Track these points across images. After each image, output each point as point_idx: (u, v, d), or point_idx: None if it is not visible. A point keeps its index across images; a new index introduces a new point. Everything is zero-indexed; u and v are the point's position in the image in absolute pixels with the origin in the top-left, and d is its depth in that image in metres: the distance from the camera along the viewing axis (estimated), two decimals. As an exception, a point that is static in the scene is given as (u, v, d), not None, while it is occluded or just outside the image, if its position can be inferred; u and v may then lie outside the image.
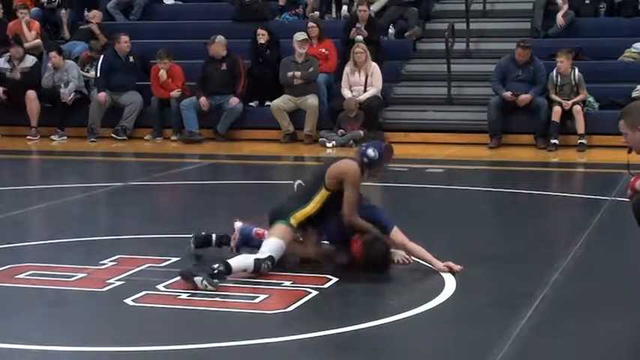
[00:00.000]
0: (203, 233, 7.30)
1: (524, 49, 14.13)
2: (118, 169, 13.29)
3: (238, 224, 7.27)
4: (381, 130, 14.57)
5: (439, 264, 6.86)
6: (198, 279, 6.37)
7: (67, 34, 17.19)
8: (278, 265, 6.76)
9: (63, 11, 17.41)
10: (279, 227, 6.87)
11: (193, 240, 7.27)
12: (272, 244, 6.77)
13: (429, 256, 6.95)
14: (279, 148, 14.39)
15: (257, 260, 6.65)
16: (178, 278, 6.51)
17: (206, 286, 6.35)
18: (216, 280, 6.40)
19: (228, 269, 6.56)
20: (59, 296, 6.30)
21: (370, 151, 7.02)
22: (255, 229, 7.22)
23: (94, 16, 16.91)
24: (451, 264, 6.84)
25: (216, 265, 6.52)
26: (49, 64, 15.56)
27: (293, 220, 6.88)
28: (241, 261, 6.69)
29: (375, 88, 14.52)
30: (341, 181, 6.93)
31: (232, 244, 7.23)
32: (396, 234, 7.00)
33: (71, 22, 17.34)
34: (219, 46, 15.03)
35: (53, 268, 6.90)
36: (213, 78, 14.94)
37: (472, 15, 15.92)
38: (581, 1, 15.95)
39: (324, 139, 14.19)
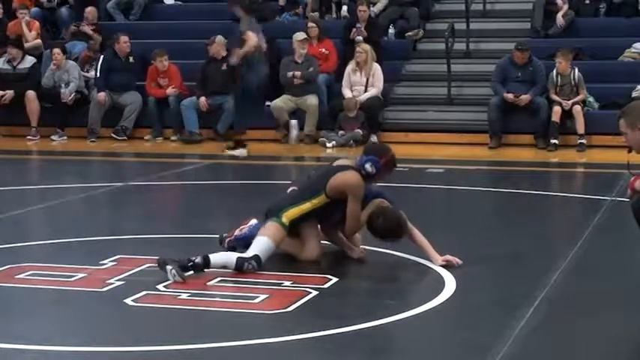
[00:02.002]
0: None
1: (521, 52, 14.13)
2: (118, 169, 13.29)
3: (254, 220, 7.30)
4: (381, 130, 14.58)
5: (438, 259, 6.90)
6: (168, 267, 6.43)
7: (67, 34, 17.22)
8: (278, 264, 6.77)
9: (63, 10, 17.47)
10: (271, 226, 6.85)
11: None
12: (260, 244, 6.75)
13: (430, 249, 6.99)
14: (279, 148, 14.39)
15: (240, 259, 6.64)
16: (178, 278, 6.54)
17: (174, 275, 6.40)
18: (187, 274, 6.44)
19: (206, 263, 6.58)
20: (59, 296, 6.30)
21: (368, 166, 7.05)
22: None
23: (90, 13, 16.89)
24: (449, 257, 6.88)
25: (193, 257, 6.56)
26: (52, 64, 15.55)
27: (285, 219, 6.88)
28: (222, 257, 6.71)
29: (376, 88, 14.52)
30: (343, 192, 6.97)
31: (236, 232, 7.23)
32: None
33: (71, 21, 17.36)
34: (218, 46, 15.03)
35: (53, 268, 6.90)
36: (213, 78, 14.94)
37: (472, 15, 15.92)
38: (581, 1, 15.96)
39: (324, 139, 14.19)
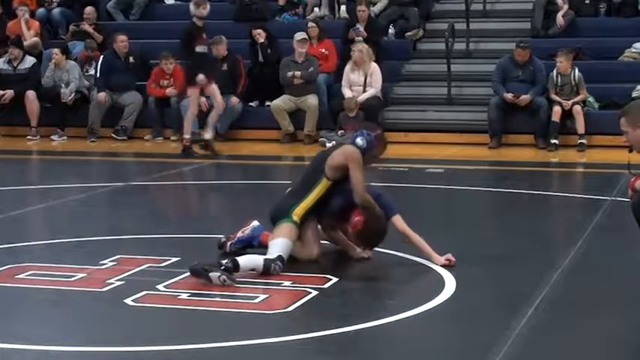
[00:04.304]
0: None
1: (523, 49, 14.14)
2: (118, 169, 13.29)
3: (256, 222, 7.30)
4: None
5: (439, 259, 6.91)
6: (214, 275, 6.37)
7: (66, 34, 17.23)
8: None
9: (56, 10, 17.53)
10: (285, 226, 6.87)
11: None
12: (279, 244, 6.77)
13: (428, 249, 7.01)
14: (279, 148, 14.40)
15: (267, 260, 6.64)
16: (179, 278, 6.54)
17: (224, 280, 6.37)
18: (234, 275, 6.44)
19: (236, 266, 6.57)
20: (59, 296, 6.29)
21: (359, 140, 7.03)
22: (264, 232, 7.24)
23: (89, 13, 16.90)
24: (451, 257, 6.89)
25: (224, 262, 6.54)
26: (51, 63, 15.57)
27: (295, 217, 6.90)
28: (250, 260, 6.69)
29: (375, 88, 14.50)
30: (344, 168, 6.95)
31: (238, 234, 7.24)
32: (397, 221, 7.08)
33: (65, 22, 17.37)
34: (223, 46, 15.03)
35: (53, 268, 6.90)
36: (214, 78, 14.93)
37: (472, 15, 15.92)
38: (581, 1, 15.96)
39: (324, 139, 14.19)
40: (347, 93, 14.47)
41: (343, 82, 14.67)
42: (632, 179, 6.30)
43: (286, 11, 17.10)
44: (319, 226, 7.21)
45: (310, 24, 15.53)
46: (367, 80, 14.52)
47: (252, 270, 6.64)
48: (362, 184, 6.93)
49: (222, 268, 6.48)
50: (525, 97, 13.95)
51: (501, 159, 13.21)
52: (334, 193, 7.05)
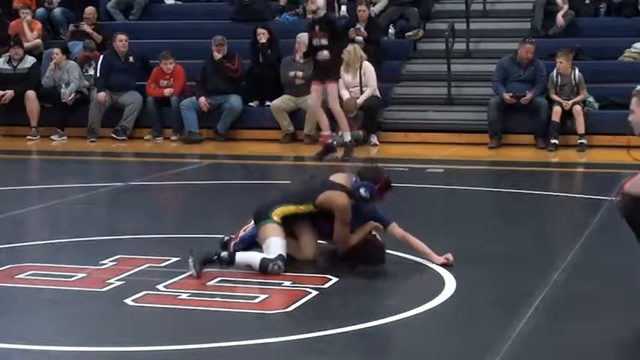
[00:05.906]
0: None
1: (532, 44, 14.13)
2: (118, 169, 13.29)
3: None
4: (380, 130, 14.57)
5: (438, 259, 6.93)
6: (190, 259, 6.58)
7: (66, 34, 17.24)
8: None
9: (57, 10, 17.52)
10: (269, 227, 6.85)
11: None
12: (274, 244, 6.77)
13: (427, 250, 7.02)
14: (279, 148, 14.40)
15: (264, 259, 6.65)
16: (179, 278, 6.56)
17: (191, 267, 6.56)
18: (200, 269, 6.53)
19: (232, 259, 6.66)
20: (59, 296, 6.30)
21: (362, 192, 7.03)
22: None
23: (90, 13, 16.91)
24: (448, 255, 6.90)
25: (221, 252, 6.70)
26: (51, 63, 15.57)
27: (275, 217, 6.89)
28: (248, 257, 6.75)
29: (370, 87, 14.44)
30: (331, 210, 6.98)
31: (241, 233, 7.25)
32: (394, 228, 7.11)
33: (66, 22, 17.38)
34: (224, 46, 15.01)
35: (53, 268, 6.90)
36: (214, 78, 14.94)
37: (472, 15, 15.93)
38: (581, 1, 15.96)
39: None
40: (345, 94, 14.42)
41: (340, 84, 14.64)
42: (625, 180, 6.29)
43: (286, 11, 17.10)
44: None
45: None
46: (362, 80, 14.48)
47: (249, 266, 6.65)
48: (345, 239, 7.00)
49: (216, 258, 6.64)
50: (528, 96, 13.92)
51: (501, 159, 13.21)
52: (321, 216, 7.04)
